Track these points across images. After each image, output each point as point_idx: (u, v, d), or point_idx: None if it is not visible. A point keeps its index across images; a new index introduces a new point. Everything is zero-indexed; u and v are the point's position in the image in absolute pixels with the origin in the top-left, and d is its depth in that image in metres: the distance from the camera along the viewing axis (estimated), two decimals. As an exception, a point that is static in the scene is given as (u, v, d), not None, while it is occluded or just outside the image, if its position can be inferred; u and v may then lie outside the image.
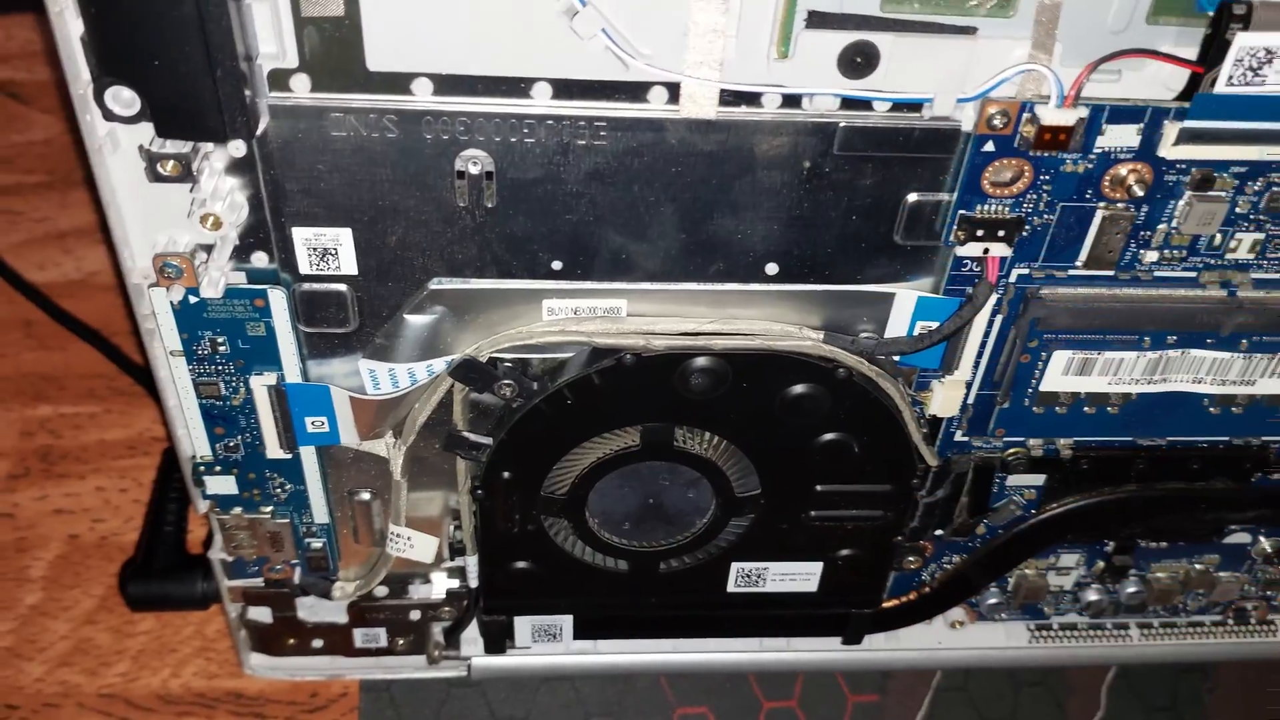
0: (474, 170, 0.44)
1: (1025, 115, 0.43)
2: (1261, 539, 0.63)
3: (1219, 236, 0.47)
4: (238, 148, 0.42)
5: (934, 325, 0.49)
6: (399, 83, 0.41)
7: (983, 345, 0.50)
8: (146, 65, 0.38)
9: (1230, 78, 0.42)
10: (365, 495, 0.56)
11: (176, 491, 0.66)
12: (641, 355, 0.48)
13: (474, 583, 0.59)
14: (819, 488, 0.55)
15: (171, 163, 0.41)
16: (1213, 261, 0.48)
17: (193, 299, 0.46)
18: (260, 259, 0.46)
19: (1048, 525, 0.58)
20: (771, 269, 0.48)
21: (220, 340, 0.48)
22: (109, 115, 0.40)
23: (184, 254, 0.45)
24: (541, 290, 0.48)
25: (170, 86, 0.39)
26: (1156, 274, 0.48)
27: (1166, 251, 0.48)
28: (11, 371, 0.78)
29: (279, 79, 0.41)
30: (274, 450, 0.52)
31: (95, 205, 0.85)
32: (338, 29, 0.40)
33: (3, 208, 0.86)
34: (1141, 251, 0.48)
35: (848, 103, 0.43)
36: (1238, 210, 0.47)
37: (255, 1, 0.39)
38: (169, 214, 0.44)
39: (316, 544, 0.57)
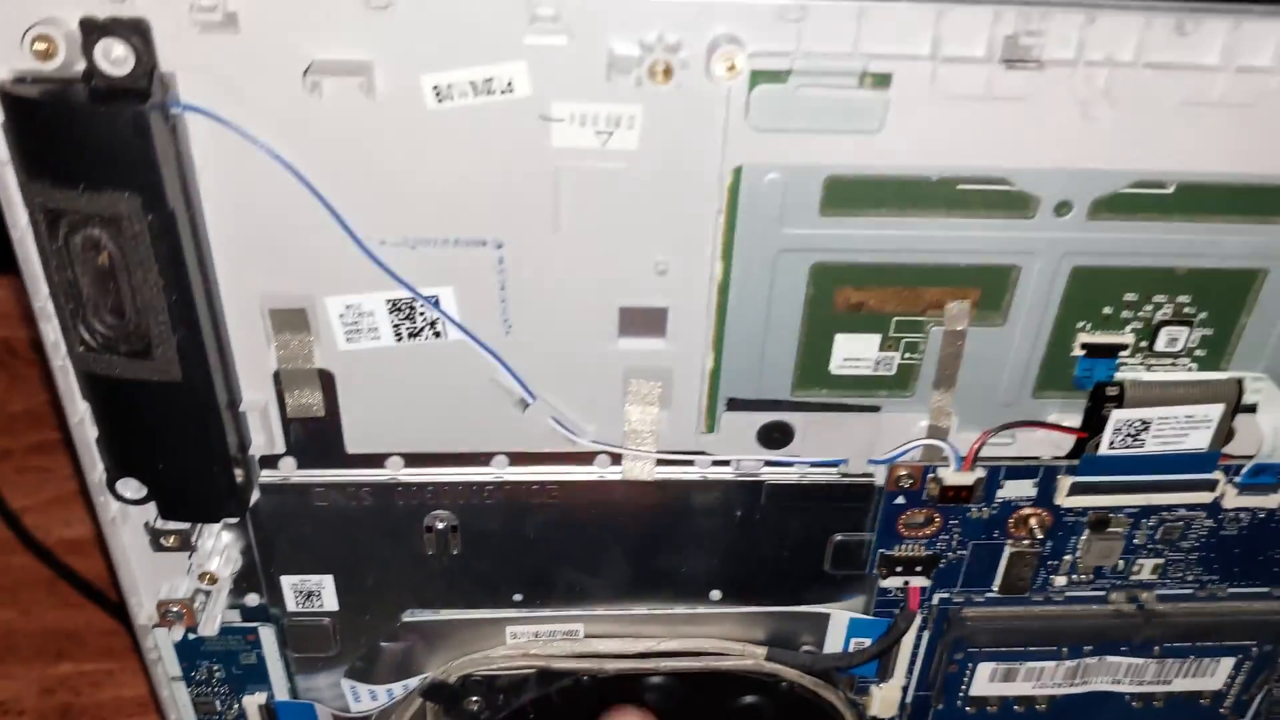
0: (440, 526, 0.49)
1: (929, 475, 0.48)
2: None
3: (1122, 562, 0.52)
4: (234, 518, 0.48)
5: (867, 641, 0.54)
6: (373, 461, 0.47)
7: (914, 656, 0.55)
8: (153, 464, 0.45)
9: (1111, 443, 0.47)
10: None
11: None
12: (597, 676, 0.53)
13: None
14: (776, 778, 0.59)
15: (173, 537, 0.47)
16: (1119, 583, 0.53)
17: (191, 635, 0.52)
18: (252, 599, 0.51)
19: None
20: (715, 595, 0.53)
21: (216, 668, 0.53)
22: (120, 498, 0.46)
23: (184, 599, 0.50)
24: (505, 618, 0.53)
25: (173, 480, 0.45)
26: (1068, 594, 0.53)
27: (1074, 576, 0.52)
28: (36, 629, 0.83)
29: (269, 461, 0.47)
30: (264, 763, 0.56)
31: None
32: (320, 424, 0.46)
33: (35, 465, 0.92)
34: (1051, 577, 0.52)
35: (772, 462, 0.49)
36: (1136, 541, 0.51)
37: (249, 410, 0.45)
38: (172, 565, 0.50)
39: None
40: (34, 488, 0.91)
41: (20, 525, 0.88)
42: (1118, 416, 0.46)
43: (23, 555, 0.88)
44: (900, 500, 0.49)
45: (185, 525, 0.47)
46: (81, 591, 0.85)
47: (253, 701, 0.54)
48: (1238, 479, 0.49)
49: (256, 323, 0.43)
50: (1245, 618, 0.54)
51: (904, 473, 0.48)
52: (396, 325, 0.43)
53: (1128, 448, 0.47)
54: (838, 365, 0.46)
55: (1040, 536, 0.50)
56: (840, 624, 0.53)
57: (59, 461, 0.94)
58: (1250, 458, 0.49)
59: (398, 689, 0.54)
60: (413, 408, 0.46)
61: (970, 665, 0.54)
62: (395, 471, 0.48)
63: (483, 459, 0.48)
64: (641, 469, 0.48)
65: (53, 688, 0.81)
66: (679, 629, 0.54)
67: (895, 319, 0.45)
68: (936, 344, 0.45)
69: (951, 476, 0.48)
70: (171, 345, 0.40)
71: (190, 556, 0.48)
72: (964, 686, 0.55)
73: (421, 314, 0.43)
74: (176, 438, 0.43)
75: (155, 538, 0.47)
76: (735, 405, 0.47)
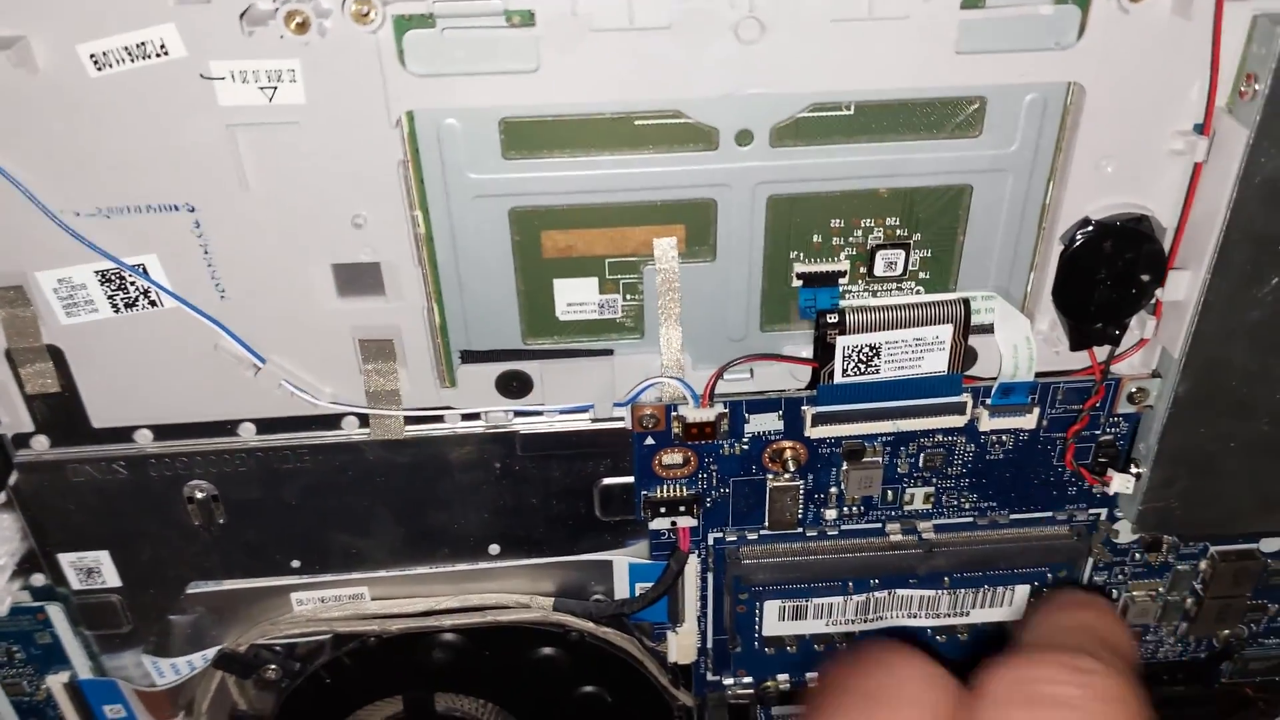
0: (200, 495, 0.50)
1: (673, 414, 0.48)
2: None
3: (890, 493, 0.52)
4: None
5: (650, 585, 0.54)
6: (123, 434, 0.48)
7: (703, 599, 0.55)
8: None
9: (845, 370, 0.47)
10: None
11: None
12: (382, 637, 0.53)
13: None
14: (590, 732, 0.59)
15: (-67, 519, 0.48)
16: (893, 514, 0.53)
17: (-20, 617, 0.53)
18: (38, 579, 0.52)
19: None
20: (494, 549, 0.53)
21: (16, 648, 0.54)
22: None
23: (-34, 583, 0.51)
24: (287, 585, 0.53)
25: (-82, 462, 0.46)
26: (843, 528, 0.53)
27: (844, 509, 0.52)
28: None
29: (21, 440, 0.48)
30: (80, 739, 0.57)
31: None
32: (61, 399, 0.47)
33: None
34: (821, 510, 0.52)
35: (522, 412, 0.49)
36: (900, 471, 0.52)
37: (-16, 381, 0.46)
38: (-49, 550, 0.51)
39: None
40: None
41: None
42: (843, 343, 0.46)
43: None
44: (650, 441, 0.49)
45: (-54, 507, 0.48)
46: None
47: (56, 680, 0.55)
48: (988, 401, 0.49)
49: (-22, 302, 0.45)
50: (1030, 544, 0.54)
51: (648, 413, 0.48)
52: (111, 297, 0.44)
53: (863, 374, 0.47)
54: (563, 311, 0.47)
55: (795, 469, 0.50)
56: (622, 570, 0.54)
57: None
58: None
59: (197, 660, 0.55)
60: (150, 378, 0.47)
61: (757, 605, 0.54)
62: (145, 444, 0.49)
63: (230, 427, 0.49)
64: (389, 428, 0.49)
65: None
66: (467, 586, 0.54)
67: (608, 261, 0.45)
68: (653, 283, 0.46)
69: (693, 414, 0.48)
70: None
71: (-44, 539, 0.49)
72: (756, 627, 0.55)
73: (132, 284, 0.44)
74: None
75: (-85, 521, 0.48)
76: (469, 358, 0.47)
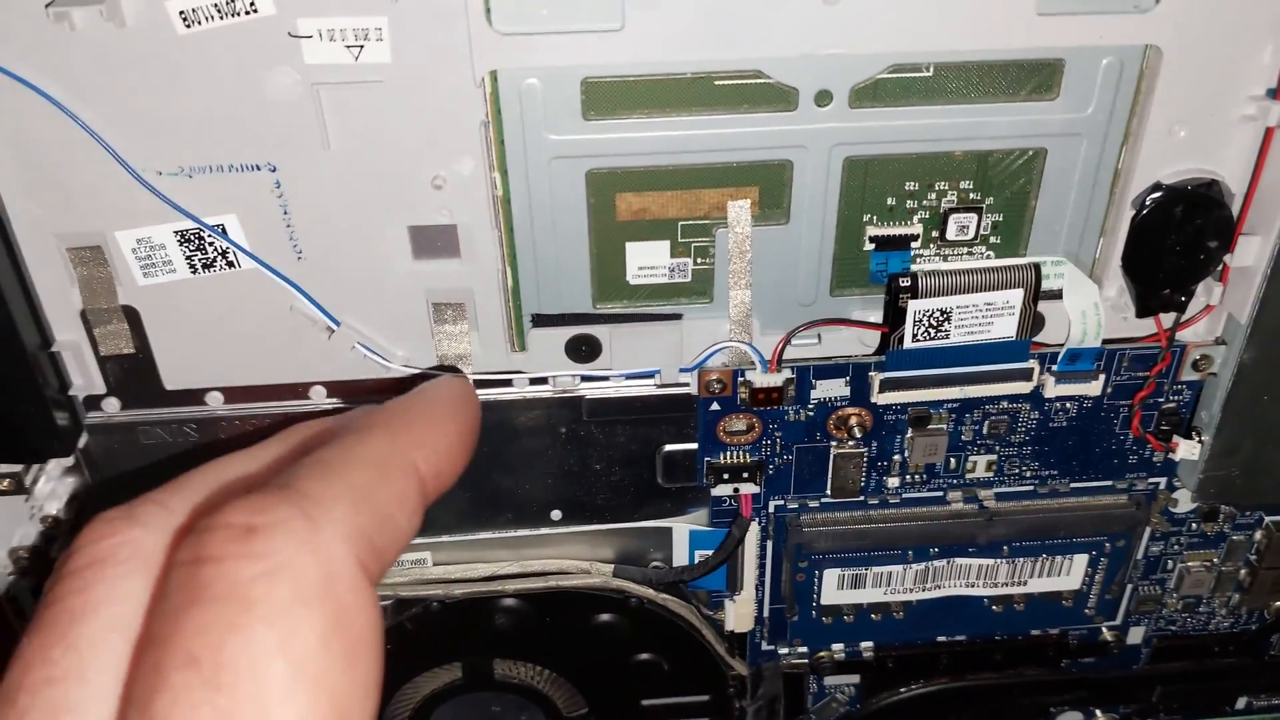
0: (270, 460, 0.50)
1: (740, 379, 0.49)
2: (1098, 714, 0.66)
3: (954, 461, 0.52)
4: (66, 460, 0.49)
5: (709, 553, 0.54)
6: (194, 396, 0.49)
7: (761, 566, 0.55)
8: (-28, 407, 0.46)
9: (915, 335, 0.47)
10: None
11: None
12: (445, 602, 0.54)
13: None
14: (644, 703, 0.59)
15: (6, 480, 0.48)
16: (955, 482, 0.53)
17: (46, 582, 0.53)
18: (102, 543, 0.53)
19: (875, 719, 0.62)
20: (556, 515, 0.53)
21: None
22: (-50, 444, 0.48)
23: (32, 546, 0.52)
24: (352, 550, 0.54)
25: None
26: (905, 496, 0.53)
27: (907, 477, 0.53)
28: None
29: (93, 402, 0.48)
30: None
31: None
32: (135, 362, 0.47)
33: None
34: (883, 478, 0.53)
35: (589, 377, 0.50)
36: (964, 438, 0.52)
37: (62, 350, 0.46)
38: (18, 513, 0.51)
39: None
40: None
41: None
42: (915, 307, 0.47)
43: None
44: (715, 407, 0.49)
45: (17, 468, 0.48)
46: None
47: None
48: (1054, 367, 0.49)
49: (56, 262, 0.45)
50: (1089, 512, 0.54)
51: (714, 378, 0.48)
52: (189, 257, 0.44)
53: (933, 339, 0.48)
54: (634, 275, 0.47)
55: (860, 436, 0.50)
56: (682, 537, 0.54)
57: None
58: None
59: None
60: (224, 341, 0.47)
61: (816, 573, 0.55)
62: (215, 406, 0.49)
63: (301, 390, 0.49)
64: (458, 390, 0.49)
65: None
66: (528, 552, 0.55)
67: (681, 224, 0.46)
68: (725, 246, 0.46)
69: (760, 379, 0.48)
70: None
71: (28, 502, 0.50)
72: (815, 595, 0.56)
73: (210, 244, 0.44)
74: (-10, 379, 0.45)
75: (-14, 482, 0.49)
76: (540, 321, 0.48)
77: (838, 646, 0.59)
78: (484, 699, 0.58)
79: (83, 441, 0.49)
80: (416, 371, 0.48)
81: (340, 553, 0.24)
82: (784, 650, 0.59)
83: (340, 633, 0.22)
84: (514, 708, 0.59)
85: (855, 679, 0.60)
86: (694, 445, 0.51)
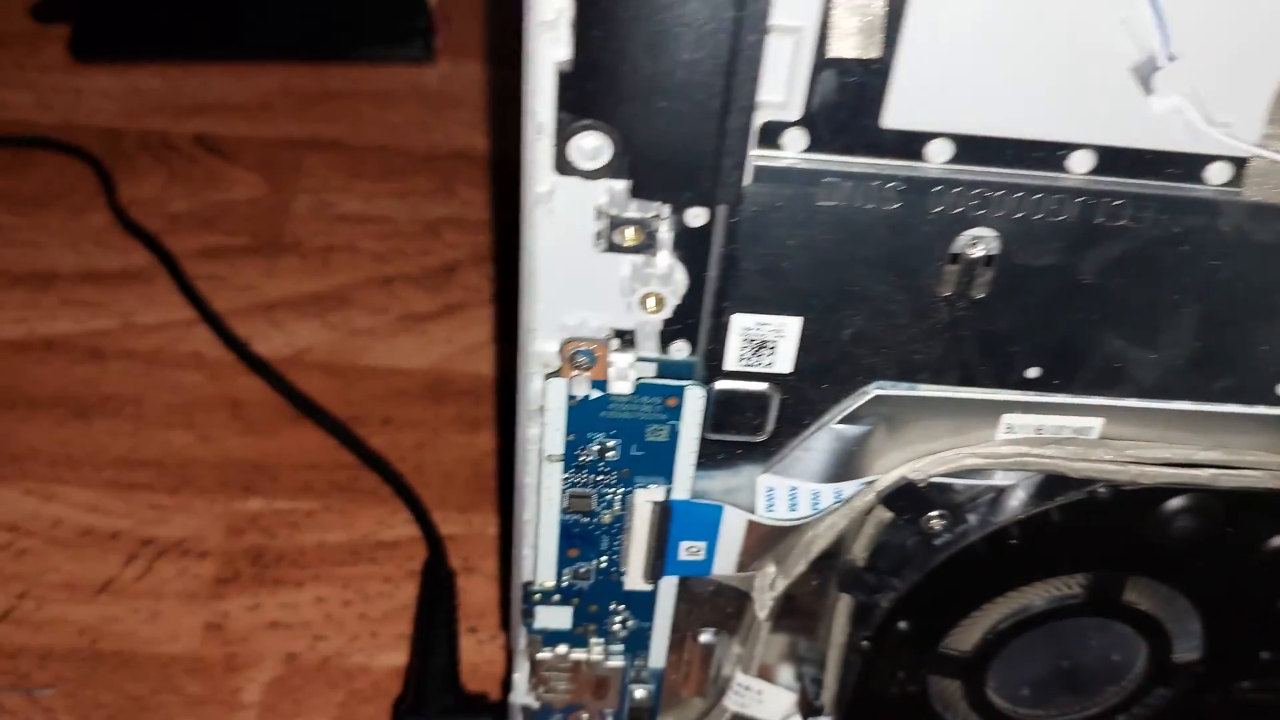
0: (973, 253, 0.36)
1: None
2: None
3: None
4: (697, 215, 0.35)
5: None
6: (912, 145, 0.34)
7: None
8: (638, 108, 0.31)
9: None
10: (707, 636, 0.47)
11: (447, 616, 0.57)
12: (1119, 489, 0.39)
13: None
14: (1264, 655, 0.46)
15: (633, 229, 0.34)
16: None
17: (594, 394, 0.38)
18: (679, 349, 0.38)
19: None
20: (1281, 390, 0.39)
21: (611, 445, 0.40)
22: (565, 168, 0.33)
23: (601, 340, 0.37)
24: (1004, 402, 0.39)
25: (661, 136, 0.32)
26: None
27: None
28: (218, 458, 0.70)
29: (770, 134, 0.33)
30: (635, 580, 0.43)
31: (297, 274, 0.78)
32: (861, 75, 0.32)
33: (206, 273, 0.79)
34: None
35: None
36: None
37: (775, 37, 0.31)
38: (586, 292, 0.37)
39: (641, 693, 0.48)
40: (206, 298, 0.78)
41: (236, 339, 0.76)
42: None
43: (193, 372, 0.75)
44: None
45: (651, 213, 0.34)
46: (305, 411, 0.73)
47: (646, 498, 0.40)
48: None
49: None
50: None
51: None
52: (1027, -89, 0.30)
53: None
54: None
55: None
56: None
57: (234, 269, 0.81)
58: None
59: (828, 494, 0.41)
60: (988, 63, 0.32)
61: None
62: (937, 162, 0.34)
63: (1059, 154, 0.34)
64: (1277, 179, 0.35)
65: (241, 527, 0.68)
66: (1217, 437, 0.40)
67: None
68: None
69: None
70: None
71: (644, 265, 0.35)
72: None
73: (1074, -109, 0.30)
74: (688, 68, 0.30)
75: (612, 229, 0.34)
76: None
77: None
78: (1079, 627, 0.44)
79: (748, 180, 0.34)
80: (1227, 151, 0.34)
81: None
82: None
83: None
84: (1111, 643, 0.45)
85: None
86: None
